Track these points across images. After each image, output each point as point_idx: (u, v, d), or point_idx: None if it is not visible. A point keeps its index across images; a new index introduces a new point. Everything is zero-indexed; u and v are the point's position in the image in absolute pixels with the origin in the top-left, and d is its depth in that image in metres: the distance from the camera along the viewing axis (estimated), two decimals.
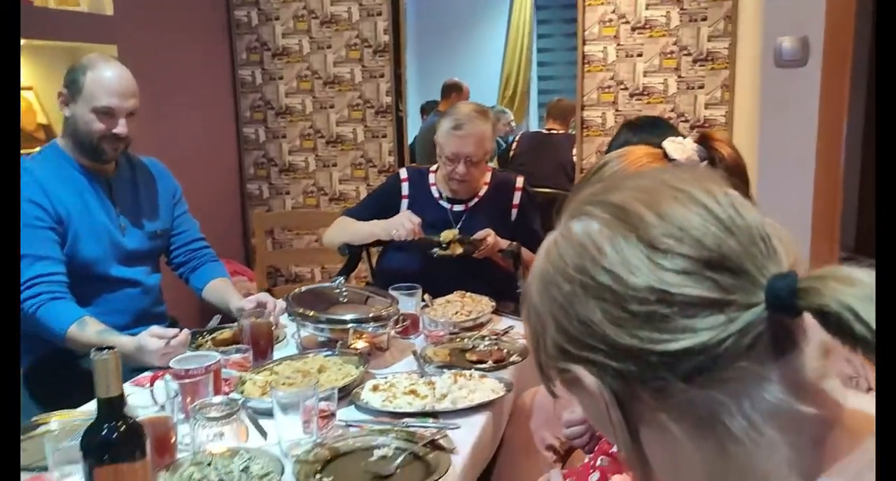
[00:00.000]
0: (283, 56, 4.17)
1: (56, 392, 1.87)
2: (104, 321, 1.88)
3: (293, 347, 1.97)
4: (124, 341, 1.80)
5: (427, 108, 5.92)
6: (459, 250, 2.33)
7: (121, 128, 1.98)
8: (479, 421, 1.54)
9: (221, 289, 2.22)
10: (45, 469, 1.27)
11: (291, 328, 2.03)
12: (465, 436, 1.46)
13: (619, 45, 3.82)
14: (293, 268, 4.35)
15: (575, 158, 4.20)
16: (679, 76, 3.76)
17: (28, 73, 2.98)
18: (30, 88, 2.94)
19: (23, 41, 2.84)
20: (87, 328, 1.83)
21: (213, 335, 1.96)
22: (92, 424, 1.02)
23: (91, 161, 2.04)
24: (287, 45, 4.16)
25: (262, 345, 1.82)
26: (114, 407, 1.02)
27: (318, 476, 1.29)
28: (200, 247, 2.32)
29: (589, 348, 0.61)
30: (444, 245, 2.33)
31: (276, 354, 1.87)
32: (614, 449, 1.20)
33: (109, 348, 1.02)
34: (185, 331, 1.80)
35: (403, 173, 2.62)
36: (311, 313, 1.86)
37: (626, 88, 3.86)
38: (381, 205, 2.56)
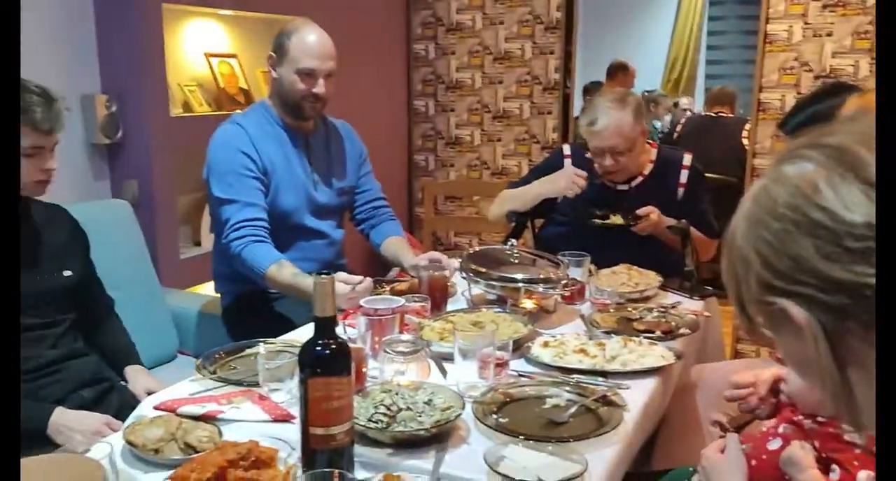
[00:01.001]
0: (457, 31, 4.28)
1: (249, 328, 2.07)
2: (296, 266, 2.06)
3: (463, 303, 2.06)
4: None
5: (591, 89, 5.85)
6: (620, 221, 2.32)
7: (320, 88, 2.14)
8: (649, 384, 1.56)
9: (397, 245, 2.35)
10: (256, 384, 1.43)
11: (461, 286, 2.12)
12: (636, 397, 1.48)
13: (805, 23, 3.61)
14: (453, 237, 4.48)
15: (746, 142, 4.01)
16: (872, 58, 3.50)
17: (233, 42, 3.26)
18: (234, 56, 3.21)
19: (230, 13, 3.12)
20: (284, 270, 2.01)
21: (392, 285, 2.08)
22: (309, 340, 1.14)
23: (293, 119, 2.22)
24: (461, 20, 4.26)
25: (437, 297, 1.92)
26: (327, 326, 1.14)
27: (494, 416, 1.36)
28: (381, 205, 2.47)
29: (799, 283, 0.62)
30: (603, 215, 2.33)
31: (449, 308, 1.97)
32: (799, 417, 1.18)
33: (327, 273, 1.13)
34: (369, 279, 1.93)
35: (566, 149, 2.62)
36: (485, 270, 1.94)
37: (810, 70, 3.65)
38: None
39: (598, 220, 2.35)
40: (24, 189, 1.66)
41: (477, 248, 2.13)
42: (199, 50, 3.11)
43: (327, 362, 1.13)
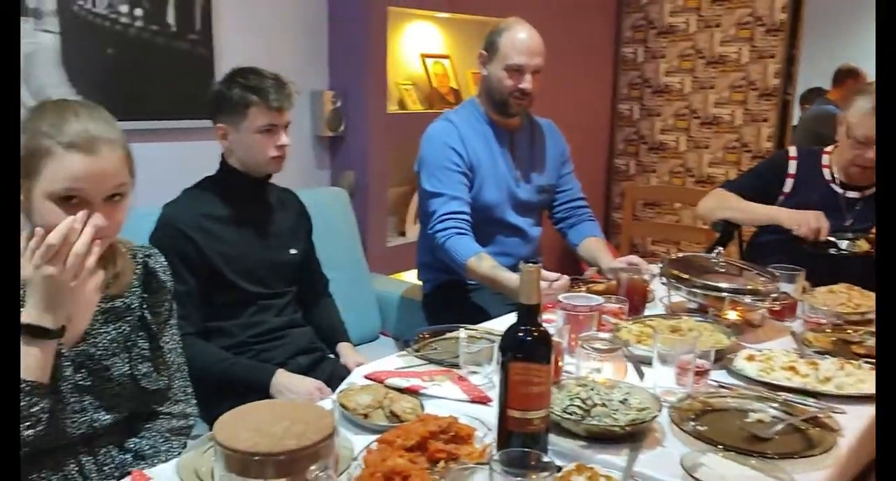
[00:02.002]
0: (668, 34, 4.16)
1: (446, 316, 2.16)
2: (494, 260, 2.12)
3: (660, 310, 2.01)
4: (511, 277, 2.01)
5: (809, 97, 5.41)
6: (866, 247, 2.13)
7: (526, 83, 2.19)
8: (867, 412, 1.43)
9: (596, 246, 2.34)
10: (456, 366, 1.50)
11: (659, 292, 2.07)
12: (852, 423, 1.37)
13: None
14: (650, 245, 4.37)
15: None
16: None
17: (446, 44, 3.41)
18: (447, 57, 3.36)
19: (446, 15, 3.26)
20: (483, 262, 2.08)
21: (588, 285, 2.08)
22: (512, 325, 1.18)
23: (499, 115, 2.28)
24: (674, 23, 4.14)
25: (636, 300, 1.89)
26: (531, 314, 1.17)
27: (692, 422, 1.32)
28: (581, 205, 2.47)
29: None
30: (853, 238, 2.15)
31: (646, 312, 1.93)
32: None
33: (535, 261, 1.16)
34: (566, 277, 1.94)
35: (792, 151, 2.46)
36: (687, 276, 1.88)
37: None
38: (763, 181, 2.45)
39: (843, 250, 2.16)
40: (263, 165, 1.87)
41: (680, 254, 2.07)
42: (415, 51, 3.29)
43: (529, 348, 1.15)
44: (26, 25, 2.12)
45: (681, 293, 1.93)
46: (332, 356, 2.06)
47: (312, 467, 0.77)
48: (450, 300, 2.33)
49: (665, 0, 4.13)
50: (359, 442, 1.22)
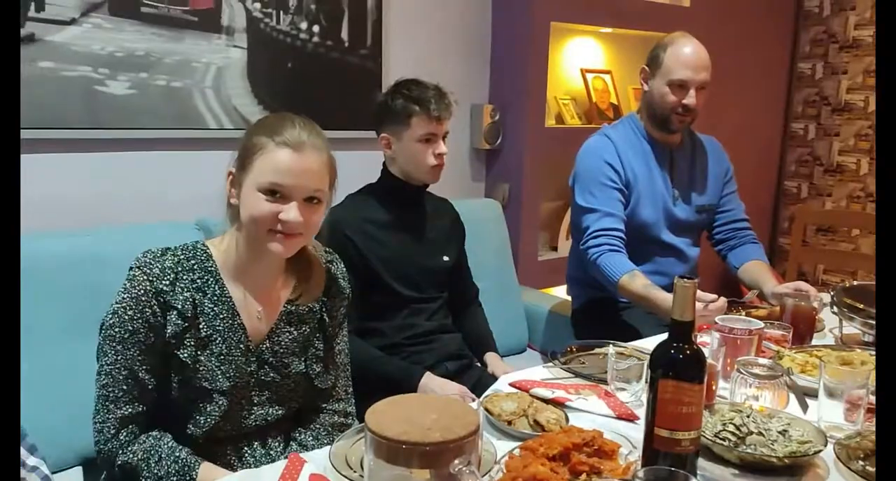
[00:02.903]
0: (852, 49, 3.88)
1: (594, 332, 2.12)
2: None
3: (829, 340, 1.87)
4: (665, 297, 1.95)
5: None
6: None
7: (690, 99, 2.12)
8: None
9: (758, 270, 2.22)
10: (603, 381, 1.48)
11: (829, 322, 1.93)
12: None
13: None
14: (821, 273, 4.07)
15: None
16: None
17: (608, 59, 3.37)
18: (608, 72, 3.32)
19: (607, 30, 3.23)
20: (636, 280, 2.03)
21: (749, 310, 1.98)
22: (663, 342, 1.14)
23: (660, 132, 2.23)
24: (858, 36, 3.85)
25: (802, 328, 1.78)
26: (685, 331, 1.13)
27: (861, 462, 1.22)
28: (743, 227, 2.35)
29: None
30: None
31: (813, 342, 1.80)
32: None
33: (690, 277, 1.12)
34: (723, 299, 1.86)
35: None
36: (862, 307, 1.74)
37: None
38: None
39: None
40: (422, 173, 1.93)
41: (855, 283, 1.92)
42: (575, 66, 3.28)
43: (681, 366, 1.12)
44: (219, 42, 2.33)
45: (854, 324, 1.79)
46: (478, 364, 2.08)
47: (456, 461, 0.79)
48: (599, 317, 2.30)
49: (850, 12, 3.85)
50: (501, 447, 1.23)
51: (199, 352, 1.30)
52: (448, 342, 2.00)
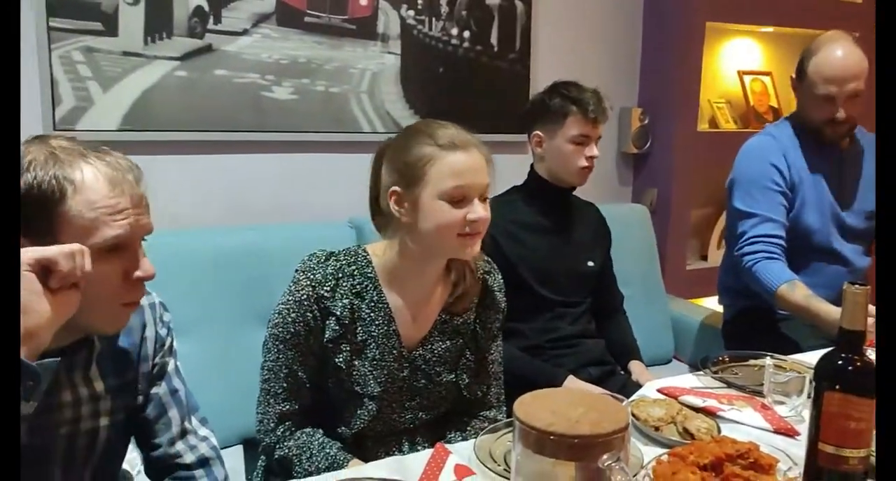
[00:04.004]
0: None
1: (748, 344, 2.00)
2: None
3: None
4: (829, 309, 1.83)
5: None
6: None
7: (840, 114, 1.97)
8: None
9: None
10: (759, 393, 1.40)
11: None
12: None
13: None
14: None
15: None
16: None
17: (768, 60, 3.20)
18: (768, 73, 3.16)
19: (768, 29, 3.06)
20: (797, 290, 1.91)
21: None
22: (831, 351, 1.07)
23: (814, 142, 2.08)
24: None
25: None
26: (853, 340, 1.05)
27: None
28: None
29: None
30: None
31: None
32: None
33: (862, 283, 1.04)
34: None
35: None
36: None
37: None
38: None
39: None
40: (571, 175, 1.92)
41: None
42: (732, 67, 3.13)
43: (850, 378, 1.04)
44: (374, 48, 2.43)
45: None
46: (622, 372, 2.03)
47: (605, 456, 0.77)
48: (754, 328, 2.17)
49: None
50: (647, 452, 1.19)
51: (353, 357, 1.35)
52: (591, 347, 1.97)
